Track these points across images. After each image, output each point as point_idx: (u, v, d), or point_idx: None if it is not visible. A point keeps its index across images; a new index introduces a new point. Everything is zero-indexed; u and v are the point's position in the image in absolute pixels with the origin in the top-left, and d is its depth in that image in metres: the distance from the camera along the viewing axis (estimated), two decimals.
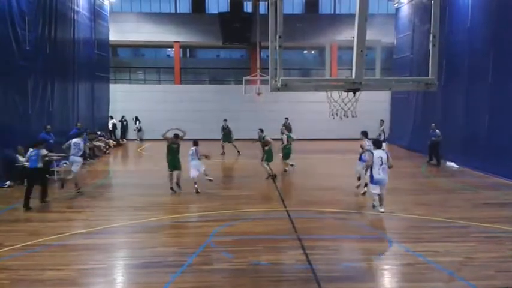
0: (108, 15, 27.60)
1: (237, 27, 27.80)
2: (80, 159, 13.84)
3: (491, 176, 15.71)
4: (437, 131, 18.82)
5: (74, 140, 13.92)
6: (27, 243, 8.66)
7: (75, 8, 21.55)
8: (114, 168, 18.25)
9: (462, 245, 8.67)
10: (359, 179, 13.46)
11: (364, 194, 12.82)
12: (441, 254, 8.13)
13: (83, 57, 22.75)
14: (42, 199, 12.10)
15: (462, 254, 8.11)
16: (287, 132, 17.23)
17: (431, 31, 6.21)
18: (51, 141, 16.43)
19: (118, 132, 28.72)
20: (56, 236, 9.10)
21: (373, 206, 11.27)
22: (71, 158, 13.74)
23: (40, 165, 11.84)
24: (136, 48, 38.28)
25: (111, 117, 28.18)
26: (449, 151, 19.01)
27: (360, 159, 13.30)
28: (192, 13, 32.13)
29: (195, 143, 14.05)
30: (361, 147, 13.11)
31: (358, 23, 5.97)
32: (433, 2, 6.23)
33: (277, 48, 6.05)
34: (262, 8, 29.07)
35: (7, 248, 8.37)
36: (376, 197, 11.13)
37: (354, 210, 11.37)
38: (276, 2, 6.00)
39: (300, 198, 12.80)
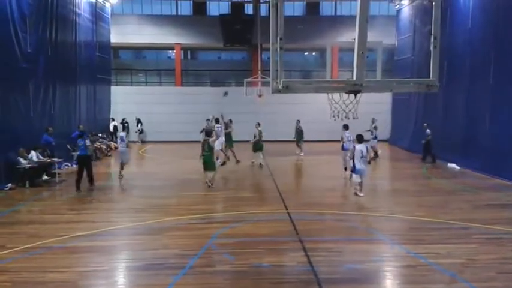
0: (110, 17, 27.66)
1: (238, 29, 27.87)
2: (126, 150, 16.28)
3: (493, 177, 15.70)
4: (427, 130, 19.51)
5: (121, 133, 16.74)
6: (29, 245, 8.67)
7: (77, 10, 21.62)
8: (115, 170, 18.24)
9: (463, 246, 8.67)
10: (345, 169, 15.67)
11: (350, 177, 14.24)
12: (442, 255, 8.12)
13: (84, 59, 22.82)
14: (91, 184, 14.30)
15: (463, 256, 8.10)
16: (260, 128, 19.19)
17: (432, 32, 6.20)
18: (53, 143, 16.49)
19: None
20: (57, 238, 9.12)
21: (355, 194, 13.01)
22: (121, 149, 16.22)
23: (89, 153, 14.72)
24: (137, 50, 38.35)
25: (113, 119, 28.21)
26: (451, 152, 19.01)
27: (342, 148, 16.16)
28: (193, 15, 32.25)
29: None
30: (342, 138, 16.14)
31: (359, 25, 5.97)
32: (433, 3, 6.22)
33: (278, 50, 6.04)
34: (263, 10, 29.14)
35: (9, 250, 8.39)
36: (358, 186, 12.97)
37: (355, 212, 11.37)
38: (276, 4, 6.00)
39: (301, 200, 12.80)
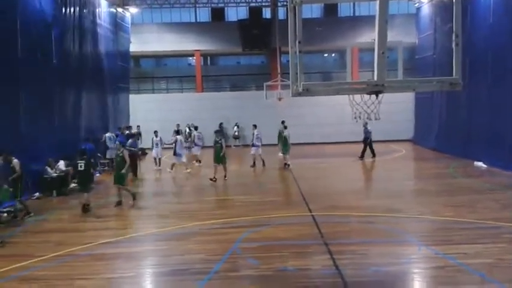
0: (130, 26, 28.02)
1: (257, 34, 27.97)
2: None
3: None
4: (368, 127, 20.69)
5: (179, 137, 18.69)
6: (57, 253, 8.81)
7: (98, 21, 22.00)
8: (140, 177, 18.44)
9: (493, 246, 8.47)
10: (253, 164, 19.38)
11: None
12: (471, 256, 7.96)
13: (106, 69, 23.17)
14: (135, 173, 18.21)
15: (493, 256, 7.93)
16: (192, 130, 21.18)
17: (454, 30, 6.10)
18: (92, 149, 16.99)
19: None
20: (84, 246, 9.24)
21: (170, 171, 18.04)
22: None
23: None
24: (158, 58, 38.79)
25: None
26: (477, 151, 18.65)
27: (252, 145, 19.29)
28: (212, 22, 32.49)
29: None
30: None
31: (379, 25, 5.92)
32: (454, 0, 6.13)
33: (297, 53, 6.03)
34: (281, 14, 29.15)
35: (37, 259, 8.53)
36: (182, 163, 18.30)
37: (380, 214, 11.21)
38: (295, 8, 6.00)
39: (324, 203, 12.69)
